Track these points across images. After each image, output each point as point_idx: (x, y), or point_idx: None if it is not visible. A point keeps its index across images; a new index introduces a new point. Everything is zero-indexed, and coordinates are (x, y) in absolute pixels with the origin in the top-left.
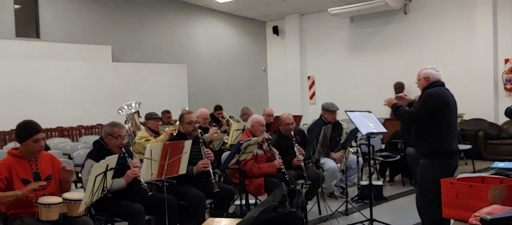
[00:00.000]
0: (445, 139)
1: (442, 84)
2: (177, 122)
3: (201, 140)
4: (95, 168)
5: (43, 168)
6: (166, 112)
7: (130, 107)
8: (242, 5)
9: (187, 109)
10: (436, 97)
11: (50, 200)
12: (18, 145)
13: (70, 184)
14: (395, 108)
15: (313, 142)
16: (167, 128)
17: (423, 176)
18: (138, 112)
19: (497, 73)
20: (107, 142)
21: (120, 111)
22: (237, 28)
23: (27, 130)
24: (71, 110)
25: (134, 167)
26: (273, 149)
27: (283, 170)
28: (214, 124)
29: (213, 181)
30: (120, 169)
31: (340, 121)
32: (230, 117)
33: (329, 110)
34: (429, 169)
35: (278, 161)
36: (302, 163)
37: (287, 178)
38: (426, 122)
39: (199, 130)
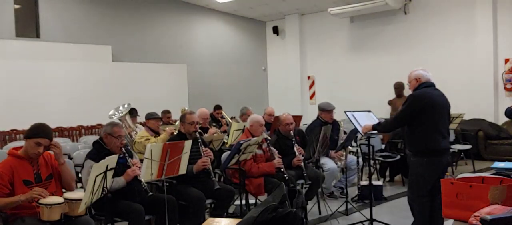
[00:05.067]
0: (432, 138)
1: (431, 85)
2: (177, 122)
3: (200, 140)
4: (95, 168)
5: (43, 168)
6: (166, 112)
7: (119, 111)
8: (242, 5)
9: (187, 109)
10: (419, 99)
11: (52, 200)
12: (17, 145)
13: (71, 177)
14: (377, 126)
15: (313, 142)
16: (168, 128)
17: (413, 173)
18: (128, 113)
19: (497, 73)
20: (107, 142)
21: (111, 116)
22: (237, 28)
23: (35, 130)
24: (71, 110)
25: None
26: (272, 148)
27: (282, 170)
28: (214, 124)
29: (214, 179)
30: (120, 169)
31: (337, 121)
32: (231, 118)
33: (325, 109)
34: (418, 166)
35: (277, 160)
36: (302, 163)
37: (287, 178)
38: (413, 122)
39: (198, 130)
